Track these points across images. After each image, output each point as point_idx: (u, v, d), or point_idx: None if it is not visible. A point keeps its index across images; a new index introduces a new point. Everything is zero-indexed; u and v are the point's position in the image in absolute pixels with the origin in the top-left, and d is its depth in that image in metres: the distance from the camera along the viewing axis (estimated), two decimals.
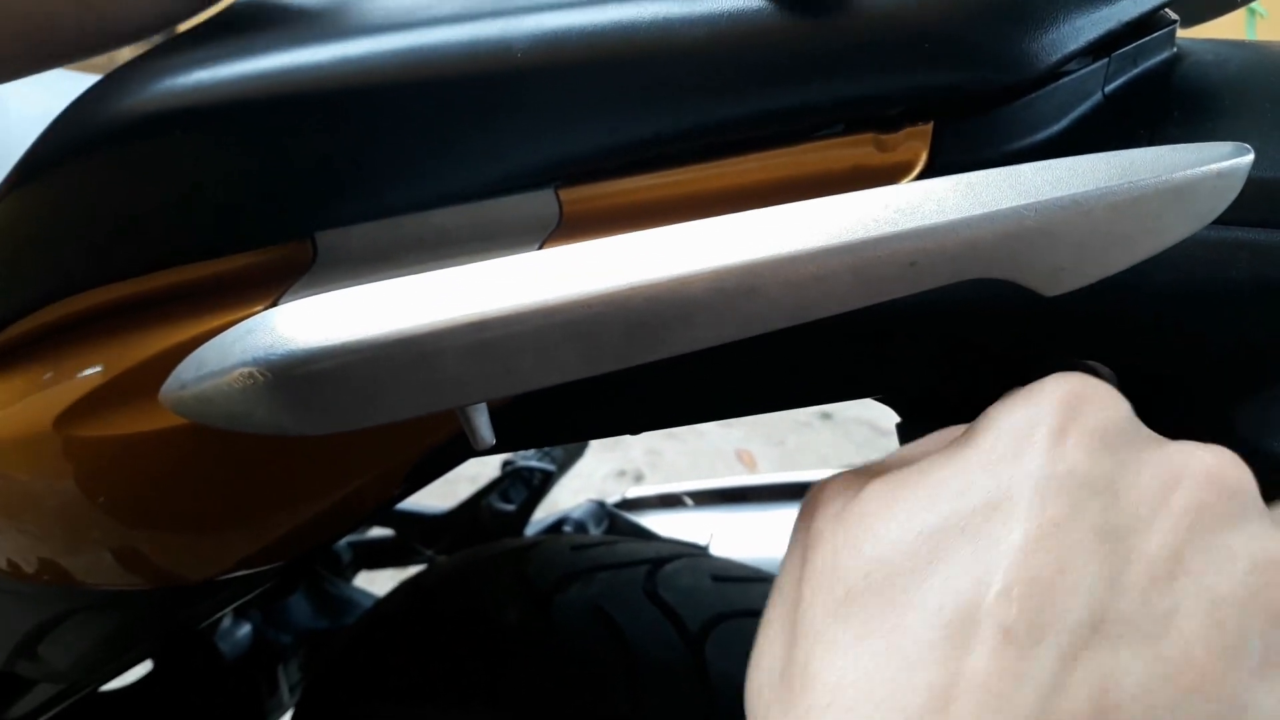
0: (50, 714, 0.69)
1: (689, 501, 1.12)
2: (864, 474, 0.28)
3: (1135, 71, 0.36)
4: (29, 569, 0.47)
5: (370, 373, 0.28)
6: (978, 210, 0.25)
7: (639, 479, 2.22)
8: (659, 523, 1.06)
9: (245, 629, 0.88)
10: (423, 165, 0.34)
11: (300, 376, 0.28)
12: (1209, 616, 0.22)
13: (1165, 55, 0.37)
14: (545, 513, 1.05)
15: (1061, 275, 0.26)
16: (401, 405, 0.29)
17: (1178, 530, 0.23)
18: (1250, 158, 0.26)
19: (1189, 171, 0.25)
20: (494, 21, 0.33)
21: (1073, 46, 0.31)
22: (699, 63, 0.31)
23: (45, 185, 0.38)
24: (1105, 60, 0.34)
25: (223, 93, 0.34)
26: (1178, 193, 0.25)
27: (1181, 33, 0.39)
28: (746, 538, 1.02)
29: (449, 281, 0.28)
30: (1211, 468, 0.24)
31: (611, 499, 1.12)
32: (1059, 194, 0.25)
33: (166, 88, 0.35)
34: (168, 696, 0.83)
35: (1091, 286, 0.28)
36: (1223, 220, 0.29)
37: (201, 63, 0.36)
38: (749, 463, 2.26)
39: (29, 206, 0.38)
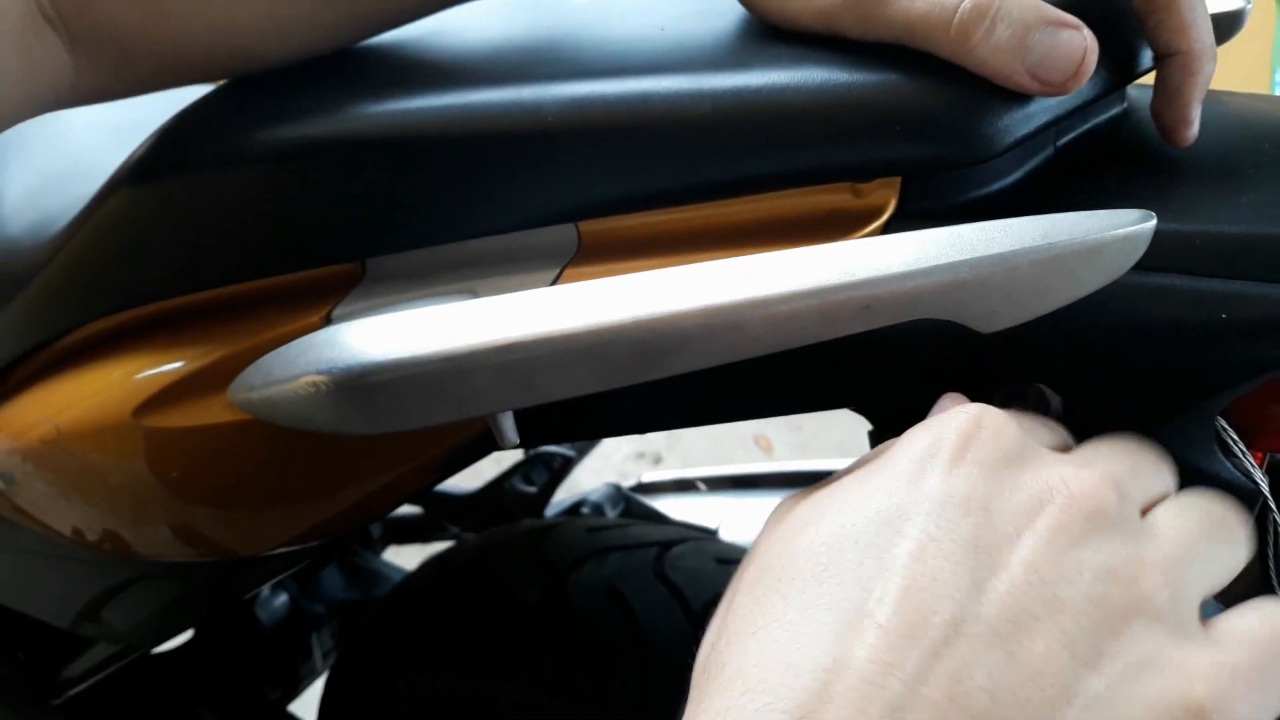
0: (105, 673, 0.74)
1: (702, 486, 1.16)
2: (812, 488, 0.32)
3: (1085, 126, 0.40)
4: (91, 538, 0.51)
5: (416, 385, 0.33)
6: (922, 264, 0.30)
7: (658, 461, 2.26)
8: (673, 506, 1.09)
9: (282, 599, 0.92)
10: (463, 206, 0.39)
11: (357, 386, 0.33)
12: (1054, 619, 0.26)
13: (1115, 111, 0.41)
14: (566, 493, 1.08)
15: (994, 317, 0.31)
16: (441, 412, 0.34)
17: (1036, 546, 0.27)
18: (1153, 224, 0.30)
19: (1100, 235, 0.30)
20: (529, 87, 0.38)
21: (1025, 130, 0.35)
22: (703, 132, 0.36)
23: (150, 195, 0.42)
24: None
25: (306, 134, 0.39)
26: (1090, 252, 0.30)
27: None
28: (755, 522, 1.05)
29: (483, 310, 0.33)
30: (1075, 491, 0.28)
31: (628, 482, 1.16)
32: (989, 252, 0.30)
33: (275, 122, 0.40)
34: (211, 660, 0.89)
35: (1032, 323, 0.33)
36: (1145, 267, 0.33)
37: (288, 106, 0.41)
38: (766, 447, 2.29)
39: (130, 214, 0.43)
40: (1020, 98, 0.35)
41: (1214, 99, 0.42)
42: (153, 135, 0.43)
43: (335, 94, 0.41)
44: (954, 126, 0.35)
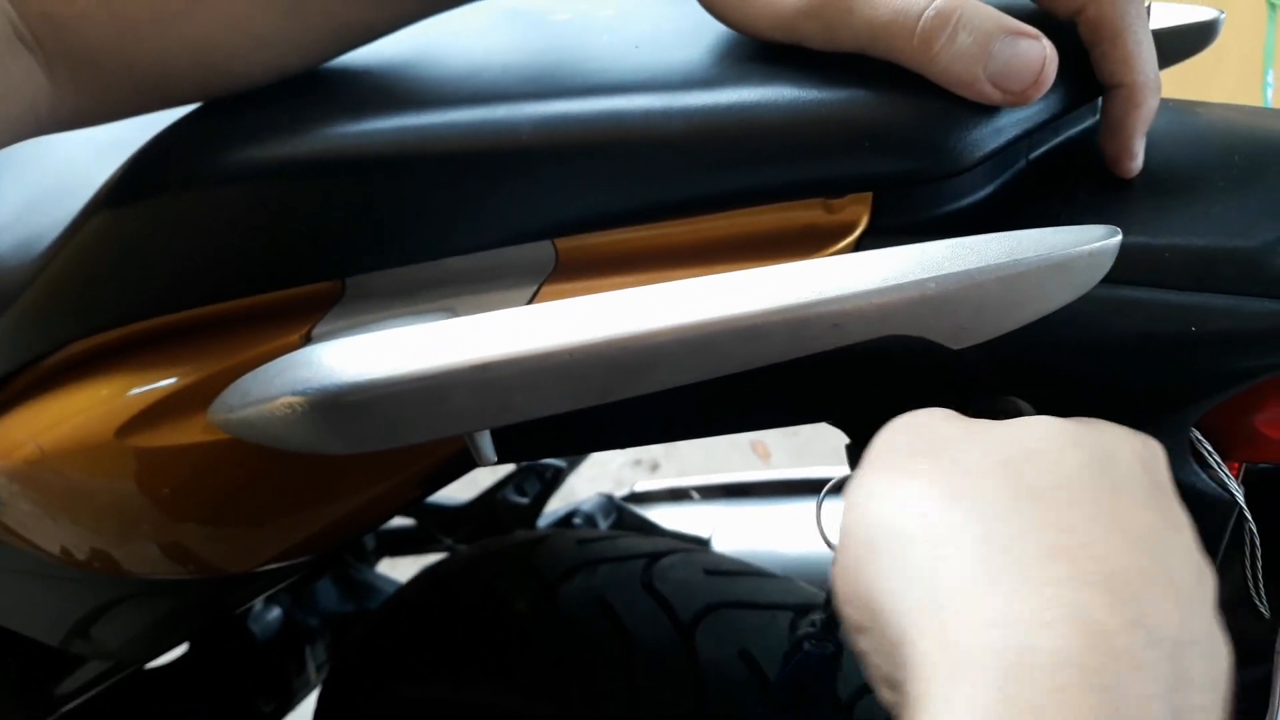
0: (99, 689, 0.74)
1: (695, 496, 1.16)
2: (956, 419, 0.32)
3: (1057, 140, 0.40)
4: (80, 557, 0.51)
5: (392, 405, 0.33)
6: (889, 281, 0.30)
7: (654, 468, 2.25)
8: (666, 516, 1.09)
9: (275, 612, 0.92)
10: (441, 224, 0.39)
11: (333, 407, 0.33)
12: None
13: (1087, 124, 0.41)
14: (561, 502, 1.08)
15: (963, 333, 0.31)
16: (417, 432, 0.34)
17: None
18: (1118, 239, 0.31)
19: (1066, 251, 0.30)
20: (505, 106, 0.38)
21: (995, 144, 0.35)
22: (677, 149, 0.36)
23: (129, 216, 0.42)
24: None
25: (284, 153, 0.40)
26: (1056, 268, 0.30)
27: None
28: (748, 532, 1.06)
29: (458, 330, 0.33)
30: None
31: (621, 492, 1.16)
32: (956, 269, 0.30)
33: (253, 142, 0.40)
34: (205, 675, 0.89)
35: (1003, 337, 0.33)
36: (1114, 280, 0.33)
37: (266, 126, 0.41)
38: (763, 454, 2.29)
39: (111, 235, 0.43)
40: (989, 111, 0.35)
41: (1186, 109, 0.43)
42: (132, 156, 0.44)
43: (313, 114, 0.41)
44: (924, 141, 0.35)
